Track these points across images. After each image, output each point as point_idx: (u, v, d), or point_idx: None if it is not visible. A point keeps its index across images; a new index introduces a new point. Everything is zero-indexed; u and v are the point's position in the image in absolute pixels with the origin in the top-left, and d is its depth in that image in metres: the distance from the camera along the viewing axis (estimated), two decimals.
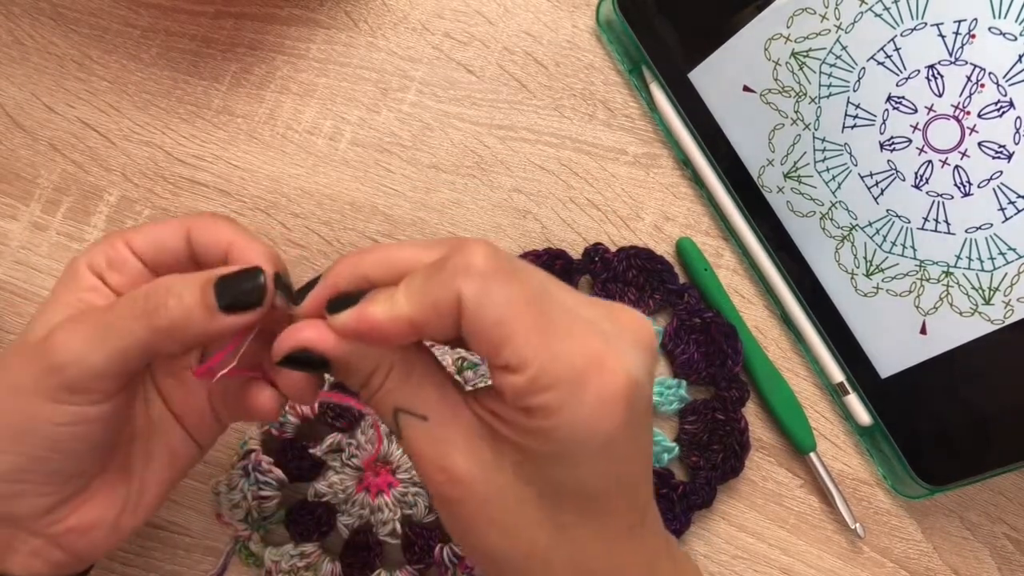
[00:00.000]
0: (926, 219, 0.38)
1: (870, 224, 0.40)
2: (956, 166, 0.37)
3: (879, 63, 0.38)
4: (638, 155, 0.44)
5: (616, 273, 0.42)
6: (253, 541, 0.39)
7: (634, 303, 0.42)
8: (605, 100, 0.44)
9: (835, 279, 0.41)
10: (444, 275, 0.23)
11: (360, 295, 0.25)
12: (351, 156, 0.43)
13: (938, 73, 0.37)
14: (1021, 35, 0.35)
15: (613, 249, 0.43)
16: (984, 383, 0.39)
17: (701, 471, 0.41)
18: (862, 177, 0.39)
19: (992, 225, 0.37)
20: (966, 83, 0.36)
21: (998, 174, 0.36)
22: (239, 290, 0.25)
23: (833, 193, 0.40)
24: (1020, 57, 0.35)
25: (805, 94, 0.40)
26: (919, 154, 0.38)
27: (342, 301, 0.25)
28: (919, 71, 0.37)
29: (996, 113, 0.36)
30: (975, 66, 0.36)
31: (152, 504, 0.30)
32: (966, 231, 0.38)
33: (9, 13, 0.42)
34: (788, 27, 0.39)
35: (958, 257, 0.38)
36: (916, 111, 0.38)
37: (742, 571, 0.42)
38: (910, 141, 0.38)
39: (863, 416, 0.42)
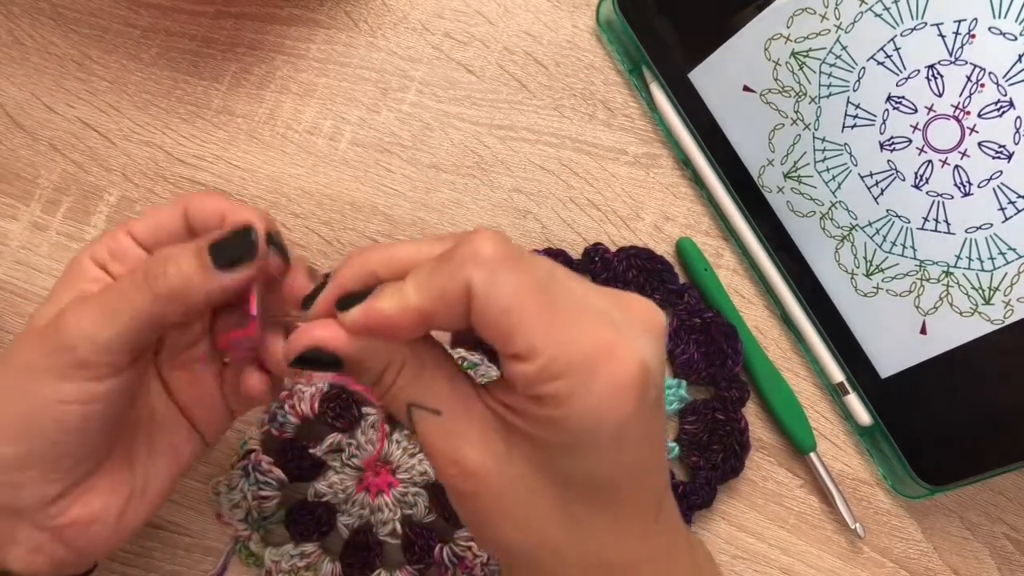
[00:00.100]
0: (926, 219, 0.38)
1: (870, 224, 0.40)
2: (956, 166, 0.37)
3: (879, 63, 0.38)
4: (638, 155, 0.44)
5: (616, 273, 0.42)
6: (253, 541, 0.39)
7: None
8: (605, 100, 0.44)
9: (835, 279, 0.41)
10: (453, 264, 0.23)
11: (368, 292, 0.25)
12: (351, 156, 0.43)
13: (938, 73, 0.37)
14: (1021, 35, 0.35)
15: (613, 249, 0.43)
16: (984, 383, 0.39)
17: (701, 471, 0.41)
18: (862, 177, 0.39)
19: (992, 225, 0.37)
20: (966, 83, 0.36)
21: (998, 174, 0.36)
22: (232, 246, 0.26)
23: (833, 193, 0.40)
24: (1020, 57, 0.35)
25: (805, 94, 0.40)
26: (919, 154, 0.38)
27: (351, 299, 0.25)
28: (919, 71, 0.37)
29: (996, 113, 0.36)
30: (975, 66, 0.36)
31: (154, 500, 0.30)
32: (966, 231, 0.38)
33: (9, 13, 0.42)
34: (788, 27, 0.39)
35: (958, 257, 0.38)
36: (916, 111, 0.38)
37: (742, 571, 0.42)
38: (910, 141, 0.38)
39: (863, 416, 0.42)
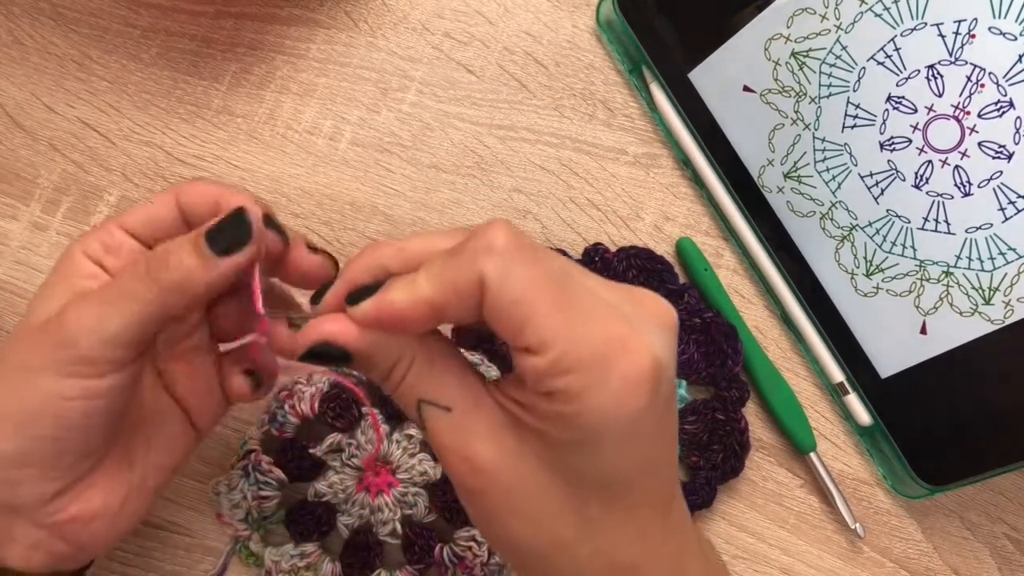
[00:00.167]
0: (926, 219, 0.38)
1: (870, 224, 0.40)
2: (956, 166, 0.37)
3: (879, 63, 0.38)
4: (638, 155, 0.44)
5: (616, 273, 0.42)
6: (253, 541, 0.39)
7: None
8: (605, 100, 0.44)
9: (835, 279, 0.41)
10: (465, 256, 0.23)
11: (379, 286, 0.25)
12: (351, 156, 0.43)
13: (938, 73, 0.37)
14: (1021, 35, 0.35)
15: (613, 249, 0.43)
16: (984, 383, 0.39)
17: (701, 471, 0.41)
18: (862, 177, 0.39)
19: (992, 225, 0.37)
20: (966, 83, 0.36)
21: (998, 174, 0.36)
22: (228, 230, 0.26)
23: (833, 193, 0.40)
24: (1020, 57, 0.35)
25: (805, 94, 0.40)
26: (919, 154, 0.38)
27: (361, 293, 0.25)
28: (919, 71, 0.37)
29: (996, 113, 0.36)
30: (975, 66, 0.36)
31: (152, 494, 0.30)
32: (966, 231, 0.38)
33: (9, 13, 0.42)
34: (788, 27, 0.39)
35: (958, 257, 0.38)
36: (916, 111, 0.38)
37: (742, 571, 0.42)
38: (910, 141, 0.38)
39: (863, 416, 0.42)
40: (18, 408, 0.26)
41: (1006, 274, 0.37)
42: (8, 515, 0.27)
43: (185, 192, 0.29)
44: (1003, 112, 0.36)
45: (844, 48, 0.38)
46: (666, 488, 0.26)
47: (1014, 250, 0.37)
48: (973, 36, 0.36)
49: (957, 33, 0.36)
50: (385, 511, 0.39)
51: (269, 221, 0.27)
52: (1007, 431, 0.38)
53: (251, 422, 0.40)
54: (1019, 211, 0.36)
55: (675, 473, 0.27)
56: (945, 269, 0.38)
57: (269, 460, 0.38)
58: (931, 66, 0.37)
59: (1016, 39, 0.35)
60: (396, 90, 0.43)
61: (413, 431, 0.39)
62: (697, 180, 0.44)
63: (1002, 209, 0.37)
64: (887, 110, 0.38)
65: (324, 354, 0.25)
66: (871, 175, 0.39)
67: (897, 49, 0.37)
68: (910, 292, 0.39)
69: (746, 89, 0.41)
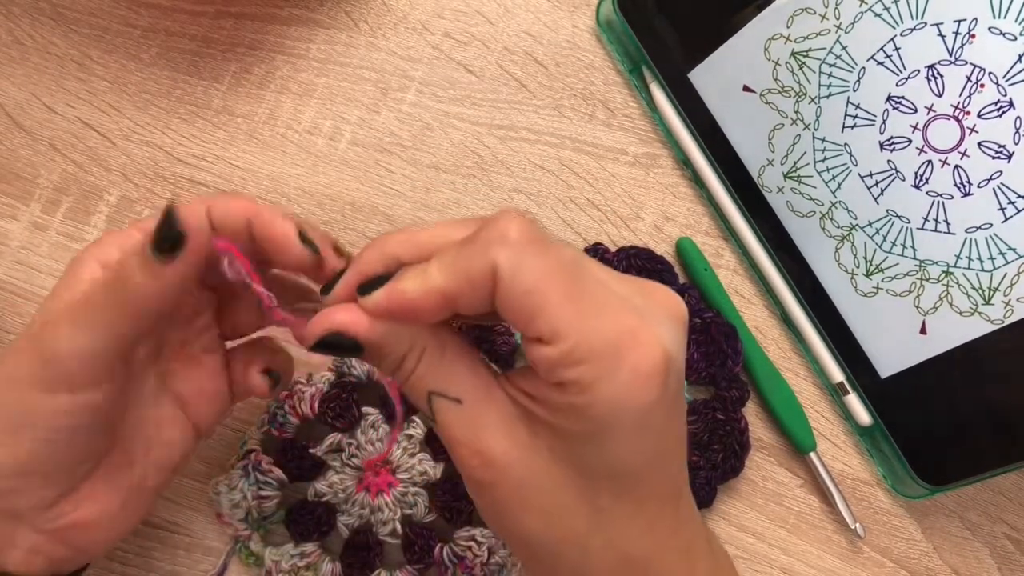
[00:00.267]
0: (926, 219, 0.38)
1: (870, 224, 0.40)
2: (956, 166, 0.37)
3: (879, 63, 0.38)
4: (638, 155, 0.44)
5: None
6: (253, 541, 0.39)
7: None
8: (605, 100, 0.44)
9: (835, 279, 0.41)
10: (478, 245, 0.23)
11: (391, 276, 0.25)
12: (351, 156, 0.43)
13: (938, 73, 0.37)
14: (1021, 35, 0.35)
15: (613, 249, 0.43)
16: (984, 383, 0.39)
17: (701, 471, 0.41)
18: (862, 177, 0.39)
19: (992, 225, 0.37)
20: (966, 83, 0.36)
21: (998, 174, 0.36)
22: (162, 236, 0.24)
23: (833, 193, 0.40)
24: (1020, 57, 0.35)
25: (805, 94, 0.40)
26: (919, 154, 0.38)
27: (373, 283, 0.25)
28: (919, 71, 0.37)
29: (996, 113, 0.36)
30: (975, 66, 0.36)
31: (152, 496, 0.30)
32: (966, 231, 0.38)
33: (9, 13, 0.42)
34: (788, 27, 0.39)
35: (958, 257, 0.38)
36: (916, 111, 0.38)
37: (742, 571, 0.42)
38: (910, 141, 0.38)
39: (863, 416, 0.42)
40: (11, 419, 0.26)
41: (1006, 274, 0.37)
42: (9, 521, 0.27)
43: (218, 207, 0.27)
44: (1003, 112, 0.36)
45: (844, 48, 0.38)
46: (675, 482, 0.26)
47: (1014, 250, 0.37)
48: (973, 36, 0.36)
49: (957, 33, 0.36)
50: (385, 511, 0.39)
51: (303, 237, 0.26)
52: (1007, 431, 0.38)
53: (251, 422, 0.40)
54: (1019, 211, 0.36)
55: (684, 468, 0.27)
56: (945, 269, 0.38)
57: (269, 460, 0.38)
58: (931, 66, 0.37)
59: (1016, 39, 0.35)
60: (396, 90, 0.43)
61: (413, 431, 0.39)
62: (697, 180, 0.44)
63: (1002, 209, 0.37)
64: (887, 110, 0.38)
65: (335, 344, 0.25)
66: (871, 175, 0.39)
67: (897, 49, 0.37)
68: (910, 292, 0.39)
69: (746, 89, 0.41)
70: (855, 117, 0.39)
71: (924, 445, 0.41)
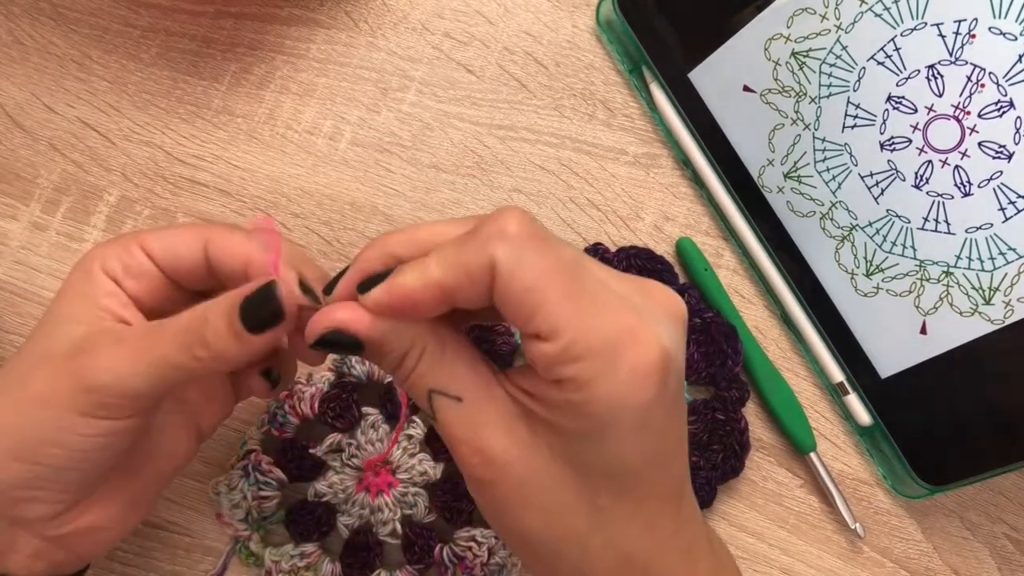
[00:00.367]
0: (926, 219, 0.38)
1: (870, 224, 0.40)
2: (956, 166, 0.37)
3: (879, 63, 0.38)
4: (638, 155, 0.44)
5: None
6: (253, 541, 0.39)
7: None
8: (605, 100, 0.44)
9: (835, 279, 0.41)
10: (478, 241, 0.23)
11: (389, 273, 0.25)
12: (351, 156, 0.43)
13: (938, 73, 0.37)
14: (1021, 35, 0.35)
15: (613, 249, 0.43)
16: (984, 383, 0.39)
17: (701, 471, 0.41)
18: (862, 177, 0.39)
19: (992, 225, 0.37)
20: (966, 83, 0.36)
21: (998, 174, 0.36)
22: (259, 311, 0.25)
23: (833, 193, 0.40)
24: (1020, 57, 0.35)
25: (805, 94, 0.40)
26: (919, 154, 0.38)
27: (373, 280, 0.25)
28: (919, 71, 0.37)
29: (996, 113, 0.36)
30: (975, 66, 0.36)
31: (152, 500, 0.31)
32: (966, 231, 0.38)
33: (9, 13, 0.42)
34: (788, 27, 0.39)
35: (958, 257, 0.38)
36: (916, 111, 0.38)
37: (742, 571, 0.42)
38: (910, 141, 0.38)
39: (863, 416, 0.42)
40: (34, 437, 0.26)
41: (1006, 274, 0.37)
42: (12, 528, 0.28)
43: (216, 243, 0.28)
44: (1003, 112, 0.36)
45: (844, 48, 0.38)
46: (676, 482, 0.26)
47: (1014, 250, 0.37)
48: (973, 36, 0.36)
49: (957, 33, 0.36)
50: (385, 511, 0.39)
51: (303, 286, 0.27)
52: (1007, 431, 0.38)
53: (251, 422, 0.40)
54: (1019, 211, 0.36)
55: (685, 468, 0.27)
56: (945, 269, 0.38)
57: (269, 460, 0.38)
58: (931, 66, 0.37)
59: (1016, 39, 0.35)
60: (396, 90, 0.43)
61: (413, 431, 0.39)
62: (697, 180, 0.44)
63: (1002, 209, 0.37)
64: (887, 110, 0.38)
65: (335, 342, 0.25)
66: (871, 175, 0.39)
67: (897, 49, 0.37)
68: (910, 292, 0.39)
69: (746, 89, 0.41)
70: (855, 117, 0.39)
71: (924, 445, 0.41)
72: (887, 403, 0.41)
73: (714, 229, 0.44)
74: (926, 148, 0.38)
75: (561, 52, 0.44)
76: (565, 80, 0.44)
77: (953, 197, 0.37)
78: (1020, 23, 0.35)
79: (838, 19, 0.38)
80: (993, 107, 0.36)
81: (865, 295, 0.41)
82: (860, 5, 0.38)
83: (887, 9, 0.37)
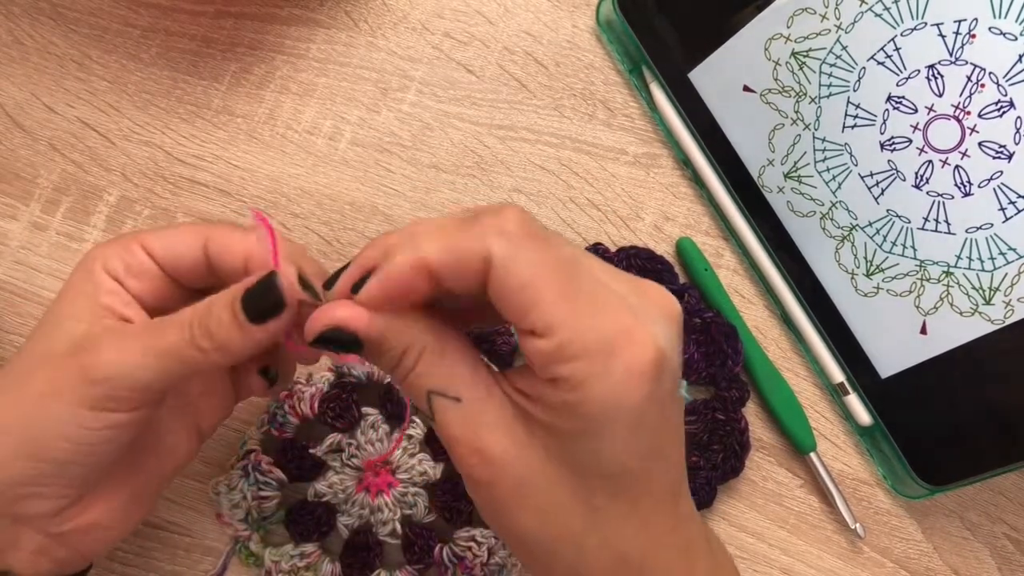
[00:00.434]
0: (926, 219, 0.38)
1: (870, 224, 0.40)
2: (956, 166, 0.37)
3: (879, 63, 0.38)
4: (638, 155, 0.44)
5: None
6: (253, 541, 0.39)
7: None
8: (605, 100, 0.44)
9: (835, 279, 0.41)
10: (475, 231, 0.23)
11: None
12: (351, 156, 0.43)
13: (938, 73, 0.37)
14: (1021, 35, 0.35)
15: (613, 249, 0.43)
16: (984, 383, 0.39)
17: (701, 471, 0.41)
18: (862, 177, 0.39)
19: (992, 225, 0.37)
20: (966, 83, 0.36)
21: (998, 174, 0.36)
22: (261, 301, 0.26)
23: (833, 193, 0.40)
24: (1020, 57, 0.35)
25: (805, 94, 0.40)
26: (919, 154, 0.38)
27: (366, 278, 0.25)
28: (919, 71, 0.37)
29: (996, 113, 0.36)
30: (975, 66, 0.36)
31: (154, 498, 0.31)
32: (966, 231, 0.38)
33: (9, 13, 0.42)
34: (788, 27, 0.39)
35: (958, 257, 0.38)
36: (916, 111, 0.38)
37: (742, 571, 0.42)
38: (910, 141, 0.38)
39: (863, 416, 0.42)
40: (39, 433, 0.26)
41: (1006, 274, 0.37)
42: (15, 525, 0.28)
43: (216, 240, 0.28)
44: (1003, 112, 0.36)
45: (844, 48, 0.38)
46: (672, 481, 0.26)
47: (1014, 250, 0.37)
48: (973, 36, 0.36)
49: (957, 33, 0.36)
50: (385, 511, 0.39)
51: (302, 280, 0.27)
52: (1007, 431, 0.38)
53: (251, 422, 0.40)
54: (1019, 211, 0.36)
55: (682, 467, 0.27)
56: (945, 269, 0.38)
57: (269, 460, 0.38)
58: (931, 66, 0.37)
59: (1016, 39, 0.35)
60: (396, 90, 0.43)
61: (413, 431, 0.39)
62: (697, 180, 0.44)
63: (1002, 209, 0.37)
64: (887, 110, 0.38)
65: (335, 339, 0.25)
66: (871, 175, 0.39)
67: (897, 49, 0.37)
68: (910, 292, 0.39)
69: (746, 89, 0.41)
70: (855, 117, 0.39)
71: (924, 445, 0.41)
72: (887, 403, 0.41)
73: (714, 229, 0.44)
74: (926, 148, 0.38)
75: (561, 52, 0.44)
76: (565, 80, 0.44)
77: (953, 197, 0.37)
78: (1020, 23, 0.35)
79: (838, 19, 0.38)
80: (993, 107, 0.36)
81: (865, 295, 0.41)
82: (860, 5, 0.38)
83: (887, 9, 0.37)
